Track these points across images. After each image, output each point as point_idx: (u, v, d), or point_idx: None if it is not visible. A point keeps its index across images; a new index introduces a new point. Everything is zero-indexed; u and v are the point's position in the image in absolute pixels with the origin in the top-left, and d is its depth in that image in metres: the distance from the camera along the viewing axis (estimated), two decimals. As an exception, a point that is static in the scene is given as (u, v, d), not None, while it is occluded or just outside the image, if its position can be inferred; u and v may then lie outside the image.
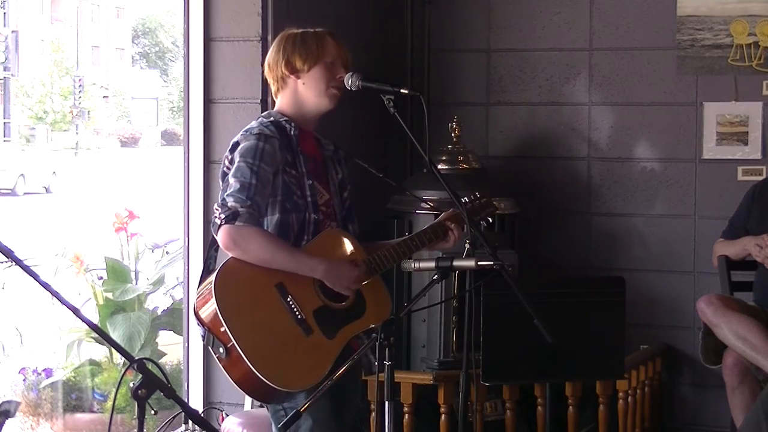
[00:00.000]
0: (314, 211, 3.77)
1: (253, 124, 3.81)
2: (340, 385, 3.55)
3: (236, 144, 3.76)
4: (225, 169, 3.77)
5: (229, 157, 3.76)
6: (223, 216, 3.63)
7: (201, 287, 3.72)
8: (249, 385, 3.61)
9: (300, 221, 3.74)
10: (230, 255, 3.65)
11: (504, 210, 5.63)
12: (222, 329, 3.57)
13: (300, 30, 3.90)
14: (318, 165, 3.87)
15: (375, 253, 3.80)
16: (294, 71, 3.83)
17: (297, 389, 3.59)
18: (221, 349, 3.58)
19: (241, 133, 3.79)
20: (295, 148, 3.79)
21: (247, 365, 3.53)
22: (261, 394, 3.66)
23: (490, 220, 4.04)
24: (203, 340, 3.67)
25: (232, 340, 3.55)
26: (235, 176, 3.67)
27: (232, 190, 3.65)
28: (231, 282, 3.62)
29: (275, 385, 3.55)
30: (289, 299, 3.64)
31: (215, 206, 3.70)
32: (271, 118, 3.83)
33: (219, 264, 3.77)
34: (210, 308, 3.61)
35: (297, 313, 3.64)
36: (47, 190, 18.87)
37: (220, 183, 3.80)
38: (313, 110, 3.86)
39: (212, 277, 3.64)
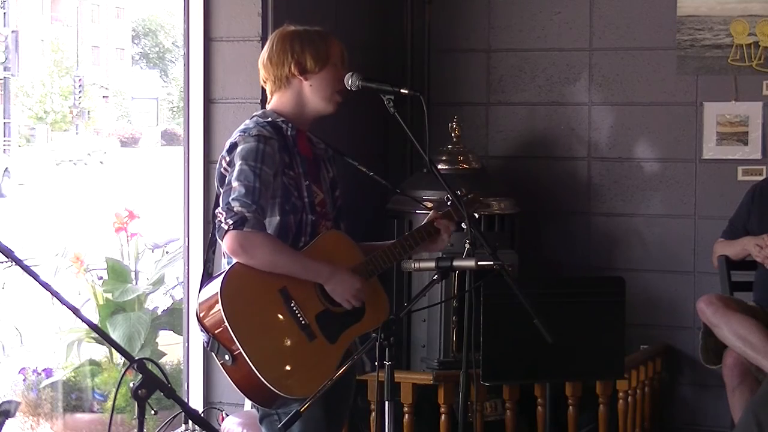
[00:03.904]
0: (311, 212, 3.73)
1: (250, 124, 3.73)
2: (333, 391, 3.52)
3: (234, 145, 3.67)
4: (222, 170, 3.70)
5: (227, 159, 3.68)
6: (230, 221, 3.56)
7: (204, 294, 3.66)
8: (254, 392, 3.59)
9: (297, 222, 3.71)
10: (235, 260, 3.61)
11: (504, 210, 5.64)
12: (228, 337, 3.53)
13: (300, 27, 3.83)
14: (311, 164, 3.83)
15: (371, 255, 3.78)
16: (303, 71, 3.76)
17: (302, 395, 3.50)
18: (227, 356, 3.55)
19: (237, 133, 3.71)
20: (293, 149, 3.74)
21: (254, 373, 3.51)
22: (265, 400, 3.63)
23: (476, 216, 3.96)
24: (206, 347, 3.63)
25: (239, 348, 3.52)
26: (239, 179, 3.60)
27: (237, 194, 3.58)
28: (237, 289, 3.59)
29: (282, 392, 3.52)
30: (292, 304, 3.61)
31: (218, 210, 3.63)
32: (269, 119, 3.75)
33: (217, 267, 3.76)
34: (216, 315, 3.57)
35: (301, 318, 3.62)
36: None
37: (216, 184, 3.73)
38: (314, 112, 3.82)
39: (217, 284, 3.59)
